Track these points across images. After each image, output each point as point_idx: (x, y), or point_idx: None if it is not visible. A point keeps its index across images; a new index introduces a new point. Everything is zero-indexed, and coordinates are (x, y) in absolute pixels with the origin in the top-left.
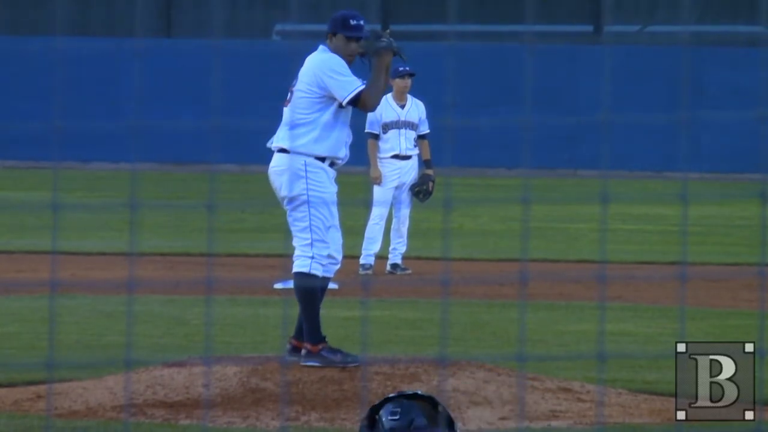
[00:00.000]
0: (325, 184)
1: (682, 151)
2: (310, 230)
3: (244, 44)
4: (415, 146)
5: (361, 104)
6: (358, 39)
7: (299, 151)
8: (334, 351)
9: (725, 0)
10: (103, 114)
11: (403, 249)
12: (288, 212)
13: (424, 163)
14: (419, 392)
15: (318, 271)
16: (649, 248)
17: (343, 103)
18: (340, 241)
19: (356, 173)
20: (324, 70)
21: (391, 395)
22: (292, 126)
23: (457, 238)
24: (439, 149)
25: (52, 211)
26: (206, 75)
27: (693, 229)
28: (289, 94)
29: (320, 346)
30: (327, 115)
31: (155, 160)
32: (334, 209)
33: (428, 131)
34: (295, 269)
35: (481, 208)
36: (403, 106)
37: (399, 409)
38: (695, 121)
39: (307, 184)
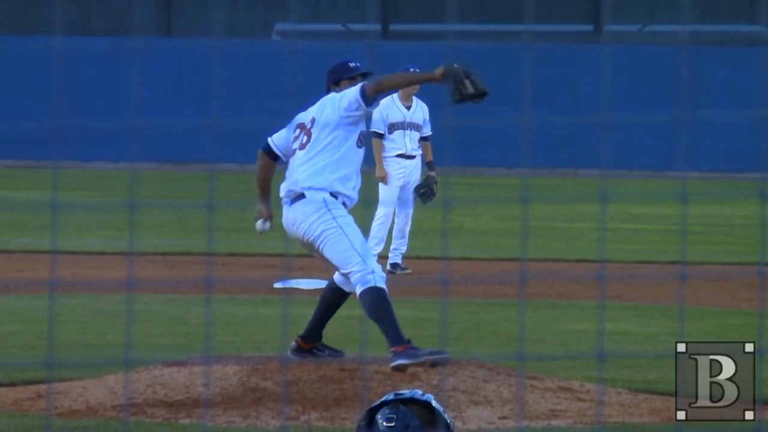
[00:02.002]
0: (345, 212)
1: (682, 151)
2: (353, 249)
3: (244, 44)
4: (418, 147)
5: (372, 87)
6: (362, 75)
7: (319, 186)
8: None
9: (725, 0)
10: (103, 114)
11: (403, 249)
12: (320, 249)
13: (426, 165)
14: (416, 396)
15: (382, 282)
16: (649, 248)
17: (364, 99)
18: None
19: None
20: (338, 97)
21: (389, 398)
22: (314, 167)
23: (457, 238)
24: (439, 149)
25: (51, 210)
26: (206, 75)
27: (693, 229)
28: (303, 137)
29: (406, 346)
30: (346, 154)
31: (155, 160)
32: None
33: (431, 133)
34: (360, 290)
35: (481, 207)
36: (408, 107)
37: (395, 414)
38: (695, 121)
39: (332, 214)
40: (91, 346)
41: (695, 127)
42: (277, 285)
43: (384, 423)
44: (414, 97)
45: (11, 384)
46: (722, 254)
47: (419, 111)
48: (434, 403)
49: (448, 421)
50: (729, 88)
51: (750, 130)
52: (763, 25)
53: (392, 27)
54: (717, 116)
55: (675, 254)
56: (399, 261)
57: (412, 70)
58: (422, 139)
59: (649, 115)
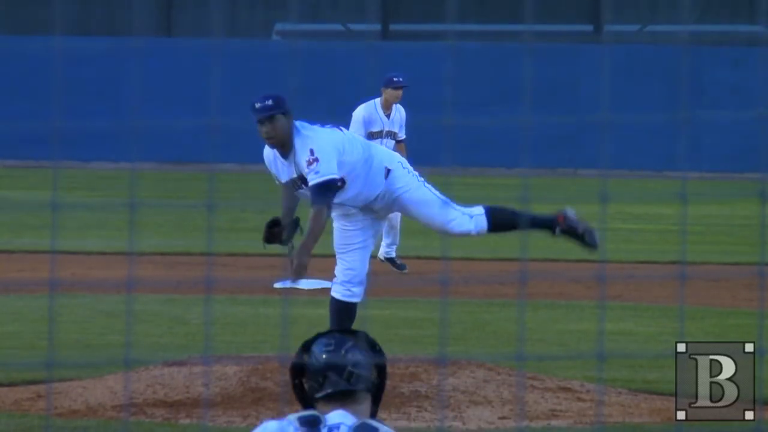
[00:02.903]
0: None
1: (682, 151)
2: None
3: (244, 44)
4: None
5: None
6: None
7: None
8: None
9: (725, 0)
10: (103, 114)
11: (395, 245)
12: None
13: None
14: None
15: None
16: (649, 248)
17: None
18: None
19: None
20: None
21: (323, 332)
22: None
23: (457, 238)
24: (439, 149)
25: (51, 210)
26: (206, 75)
27: (693, 229)
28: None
29: None
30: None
31: (155, 160)
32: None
33: (405, 137)
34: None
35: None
36: (389, 116)
37: (333, 340)
38: (695, 121)
39: None
40: (91, 346)
41: (695, 127)
42: (277, 285)
43: (323, 349)
44: (393, 105)
45: (11, 384)
46: (722, 254)
47: (398, 118)
48: (368, 335)
49: (379, 347)
50: (729, 88)
51: (750, 130)
52: (763, 25)
53: (392, 27)
54: (717, 116)
55: (675, 254)
56: (393, 255)
57: (395, 79)
58: (397, 142)
59: (649, 115)
